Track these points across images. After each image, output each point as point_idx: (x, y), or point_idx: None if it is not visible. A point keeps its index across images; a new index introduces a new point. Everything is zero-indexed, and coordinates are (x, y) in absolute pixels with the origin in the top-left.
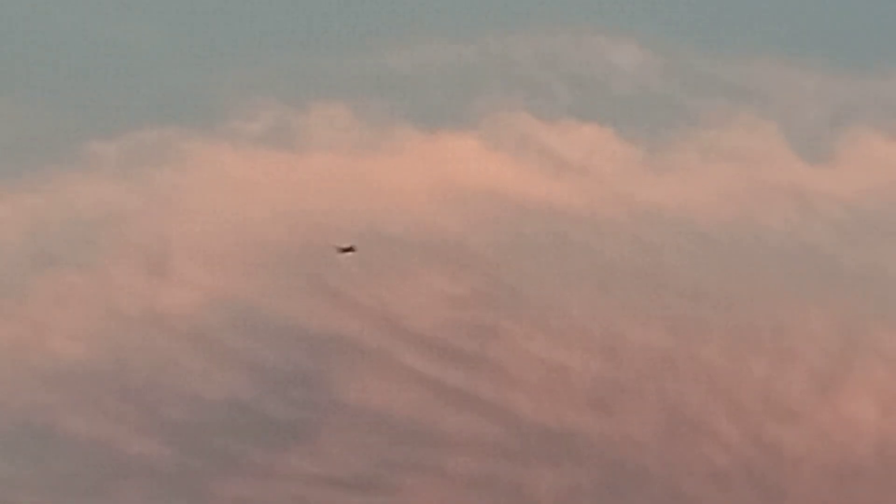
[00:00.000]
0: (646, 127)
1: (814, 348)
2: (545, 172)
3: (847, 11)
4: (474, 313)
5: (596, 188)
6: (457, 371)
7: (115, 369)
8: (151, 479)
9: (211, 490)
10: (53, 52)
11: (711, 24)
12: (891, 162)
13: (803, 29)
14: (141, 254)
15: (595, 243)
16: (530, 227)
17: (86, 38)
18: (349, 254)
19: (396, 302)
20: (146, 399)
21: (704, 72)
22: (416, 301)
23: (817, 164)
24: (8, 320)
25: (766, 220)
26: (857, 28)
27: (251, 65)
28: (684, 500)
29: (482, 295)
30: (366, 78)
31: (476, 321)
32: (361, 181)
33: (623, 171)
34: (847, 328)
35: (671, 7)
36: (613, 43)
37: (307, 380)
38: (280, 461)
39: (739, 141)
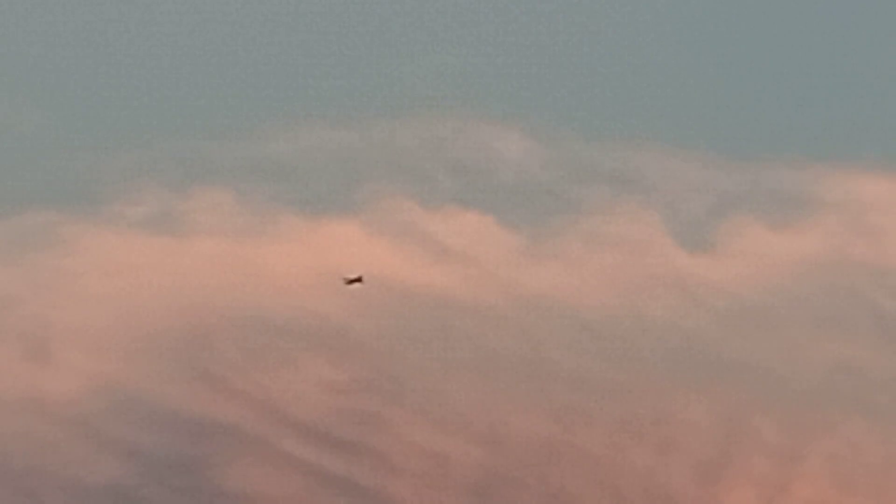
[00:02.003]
0: (529, 215)
1: (695, 438)
2: (428, 259)
3: (728, 102)
4: (356, 401)
5: (479, 276)
6: (338, 459)
7: None
8: None
9: None
10: None
11: (595, 114)
12: (771, 251)
13: (685, 118)
14: (22, 338)
15: (478, 331)
16: (413, 314)
17: None
18: (357, 285)
19: (278, 389)
20: (26, 485)
21: (587, 160)
22: (298, 388)
23: (699, 253)
24: None
25: (648, 309)
26: (738, 118)
27: (135, 149)
28: None
29: (364, 382)
30: (249, 163)
31: (358, 409)
32: (244, 267)
33: (506, 259)
34: (728, 418)
35: (555, 96)
36: (497, 131)
37: (189, 466)
38: None
39: (622, 229)
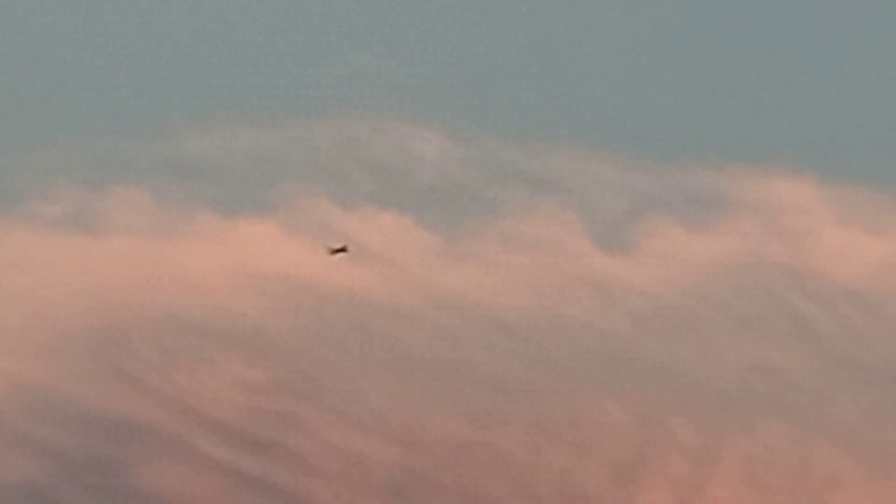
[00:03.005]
0: (446, 215)
1: (611, 439)
2: (344, 259)
3: (646, 103)
4: (273, 400)
5: (395, 276)
6: (255, 458)
7: None
8: None
9: None
10: None
11: (512, 114)
12: (689, 253)
13: (603, 119)
14: None
15: (394, 331)
16: (329, 313)
17: None
18: (342, 254)
19: (194, 388)
20: None
21: (505, 161)
22: (213, 387)
23: (616, 254)
24: None
25: (565, 309)
26: (656, 119)
27: (50, 148)
28: None
29: (281, 382)
30: (165, 162)
31: (274, 408)
32: (160, 266)
33: (422, 259)
34: (644, 419)
35: (472, 96)
36: (414, 130)
37: (104, 466)
38: None
39: (539, 230)
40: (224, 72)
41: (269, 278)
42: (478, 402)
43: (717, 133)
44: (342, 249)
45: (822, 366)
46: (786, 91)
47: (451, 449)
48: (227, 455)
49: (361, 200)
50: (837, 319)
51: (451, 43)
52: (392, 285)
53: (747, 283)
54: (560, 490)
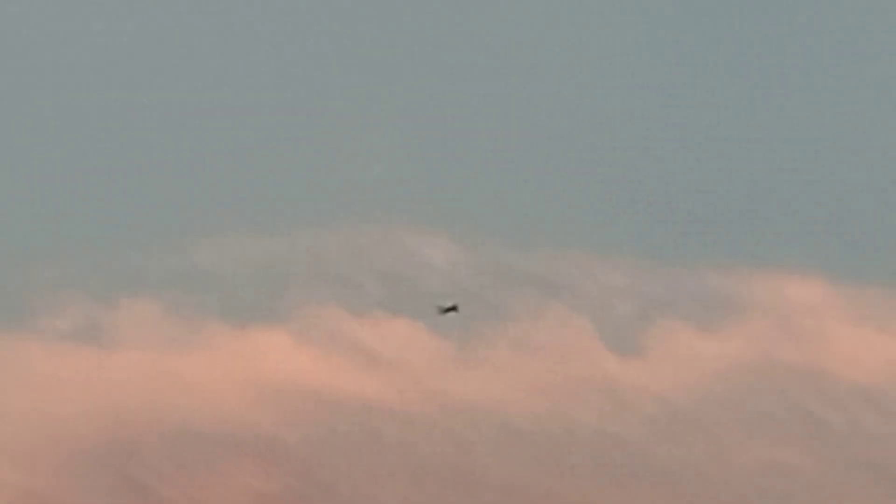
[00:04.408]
0: (457, 321)
1: None
2: (357, 367)
3: (654, 206)
4: None
5: (408, 383)
6: None
7: None
8: None
9: None
10: None
11: (520, 219)
12: (701, 355)
13: (611, 223)
14: None
15: (408, 438)
16: (342, 422)
17: None
18: (452, 313)
19: (207, 499)
20: None
21: (514, 266)
22: (227, 498)
23: (628, 357)
24: None
25: (578, 414)
26: (663, 223)
27: (59, 261)
28: None
29: (294, 491)
30: (175, 274)
31: None
32: (171, 377)
33: (435, 366)
34: None
35: (480, 202)
36: (423, 237)
37: None
38: None
39: (550, 335)
40: (232, 182)
41: (281, 388)
42: None
43: (726, 235)
44: (453, 308)
45: (836, 466)
46: (794, 191)
47: None
48: None
49: (372, 308)
50: (850, 419)
51: (458, 150)
52: (404, 392)
53: (759, 385)
54: None
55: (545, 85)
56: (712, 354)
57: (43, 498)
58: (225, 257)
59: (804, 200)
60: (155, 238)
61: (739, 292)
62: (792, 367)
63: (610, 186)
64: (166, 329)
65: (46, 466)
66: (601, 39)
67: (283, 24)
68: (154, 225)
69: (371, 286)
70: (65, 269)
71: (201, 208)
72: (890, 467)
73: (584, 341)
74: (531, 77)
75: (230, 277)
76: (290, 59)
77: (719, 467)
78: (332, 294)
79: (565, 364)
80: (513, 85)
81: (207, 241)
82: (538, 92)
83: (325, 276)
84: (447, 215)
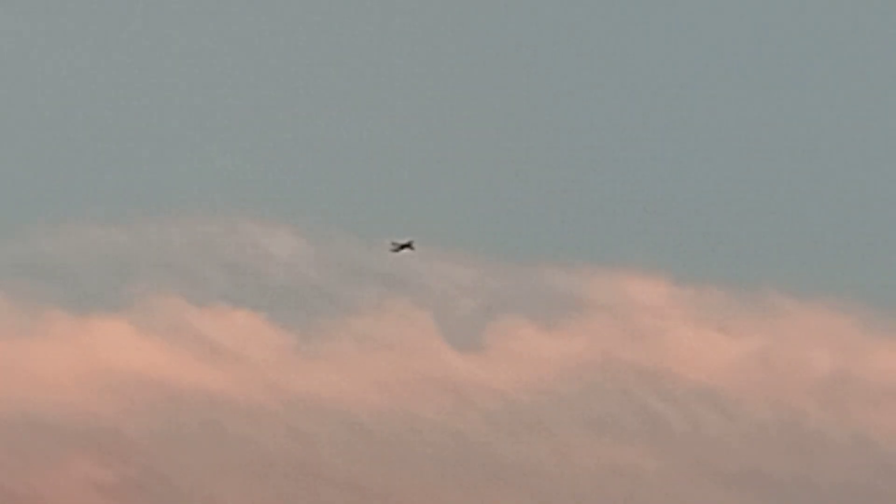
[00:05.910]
0: (299, 314)
1: None
2: (198, 358)
3: (498, 204)
4: (125, 501)
5: (249, 375)
6: None
7: None
8: None
9: None
10: None
11: (364, 214)
12: (542, 352)
13: (457, 220)
14: None
15: (249, 431)
16: (184, 413)
17: None
18: (406, 251)
19: (46, 489)
20: None
21: (359, 261)
22: (66, 489)
23: (469, 354)
24: None
25: (419, 410)
26: (507, 220)
27: None
28: None
29: (134, 482)
30: (17, 262)
31: None
32: (11, 366)
33: (276, 359)
34: None
35: (327, 196)
36: (268, 230)
37: None
38: None
39: (393, 330)
40: (75, 171)
41: (122, 378)
42: (333, 503)
43: (570, 233)
44: (407, 245)
45: (676, 465)
46: (637, 190)
47: None
48: None
49: (214, 299)
50: (690, 419)
51: (302, 143)
52: (246, 384)
53: (600, 383)
54: None
55: (390, 80)
56: (554, 352)
57: None
58: (68, 246)
59: (647, 199)
60: None
61: (582, 290)
62: (633, 366)
63: (456, 183)
64: (7, 317)
65: None
66: (447, 37)
67: (144, 18)
68: None
69: (214, 277)
70: None
71: (45, 197)
72: (730, 467)
73: (427, 337)
74: (376, 73)
75: (73, 266)
76: (141, 52)
77: (559, 465)
78: (174, 284)
79: (407, 359)
80: (360, 80)
81: (50, 230)
82: (381, 88)
83: (168, 267)
84: (292, 208)
